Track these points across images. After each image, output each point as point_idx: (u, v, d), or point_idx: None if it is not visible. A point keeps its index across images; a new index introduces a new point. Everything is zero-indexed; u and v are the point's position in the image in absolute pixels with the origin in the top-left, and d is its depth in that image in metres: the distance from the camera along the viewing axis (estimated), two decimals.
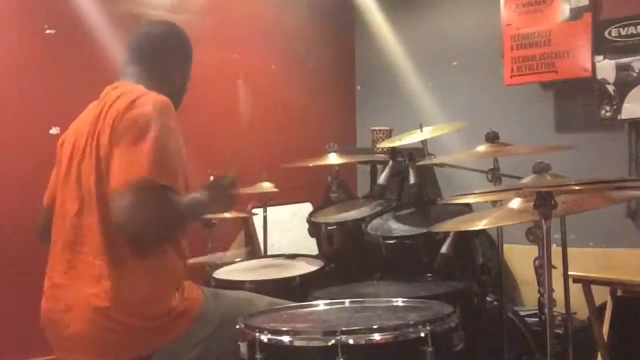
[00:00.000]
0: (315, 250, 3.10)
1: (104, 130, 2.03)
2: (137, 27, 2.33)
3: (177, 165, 2.04)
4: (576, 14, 3.66)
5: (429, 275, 2.60)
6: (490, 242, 3.37)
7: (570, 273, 2.56)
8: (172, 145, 2.03)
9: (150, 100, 2.06)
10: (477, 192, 2.00)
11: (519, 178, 2.13)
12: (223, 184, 2.15)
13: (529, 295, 3.77)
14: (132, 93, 2.10)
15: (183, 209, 2.04)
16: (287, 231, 4.10)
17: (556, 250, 2.05)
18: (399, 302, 2.13)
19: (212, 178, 3.14)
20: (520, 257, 3.46)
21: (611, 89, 3.55)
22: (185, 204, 2.05)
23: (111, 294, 1.97)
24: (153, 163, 1.96)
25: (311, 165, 3.20)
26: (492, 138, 2.57)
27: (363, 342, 1.75)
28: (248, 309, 2.17)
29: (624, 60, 3.52)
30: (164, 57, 2.27)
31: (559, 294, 2.04)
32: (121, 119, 2.02)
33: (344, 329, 1.77)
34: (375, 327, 1.80)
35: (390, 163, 2.96)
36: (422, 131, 3.08)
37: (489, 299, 2.63)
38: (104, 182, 2.00)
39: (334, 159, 3.14)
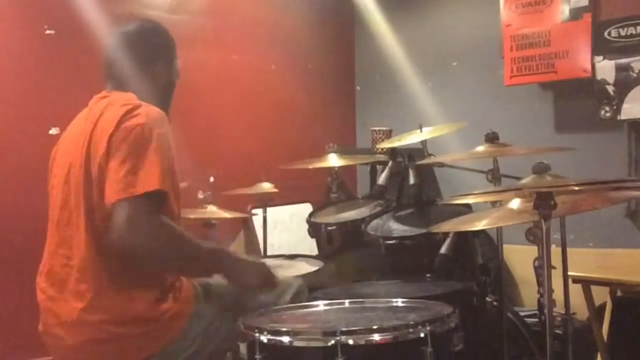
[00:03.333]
0: (315, 250, 3.11)
1: (100, 141, 1.98)
2: (111, 32, 2.27)
3: (175, 176, 2.03)
4: (575, 14, 3.65)
5: (429, 275, 2.61)
6: (489, 242, 3.36)
7: (569, 273, 2.57)
8: (171, 156, 2.01)
9: (144, 112, 2.02)
10: (476, 192, 2.00)
11: (519, 178, 2.13)
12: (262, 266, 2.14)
13: (529, 295, 3.76)
14: (124, 103, 2.06)
15: (200, 245, 2.01)
16: (287, 231, 4.10)
17: (555, 251, 2.05)
18: (399, 302, 2.14)
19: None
20: (519, 257, 3.45)
21: (610, 89, 3.54)
22: (206, 246, 2.04)
23: (101, 307, 1.95)
24: (162, 174, 1.92)
25: (310, 166, 3.20)
26: (492, 138, 2.57)
27: (362, 342, 1.76)
28: (240, 294, 2.17)
29: (624, 61, 3.51)
30: (143, 58, 2.20)
31: (558, 294, 2.04)
32: (116, 129, 1.97)
33: (343, 329, 1.77)
34: (374, 327, 1.80)
35: (390, 163, 2.96)
36: (421, 131, 3.08)
37: (488, 299, 2.63)
38: (94, 195, 1.97)
39: (333, 159, 3.14)
